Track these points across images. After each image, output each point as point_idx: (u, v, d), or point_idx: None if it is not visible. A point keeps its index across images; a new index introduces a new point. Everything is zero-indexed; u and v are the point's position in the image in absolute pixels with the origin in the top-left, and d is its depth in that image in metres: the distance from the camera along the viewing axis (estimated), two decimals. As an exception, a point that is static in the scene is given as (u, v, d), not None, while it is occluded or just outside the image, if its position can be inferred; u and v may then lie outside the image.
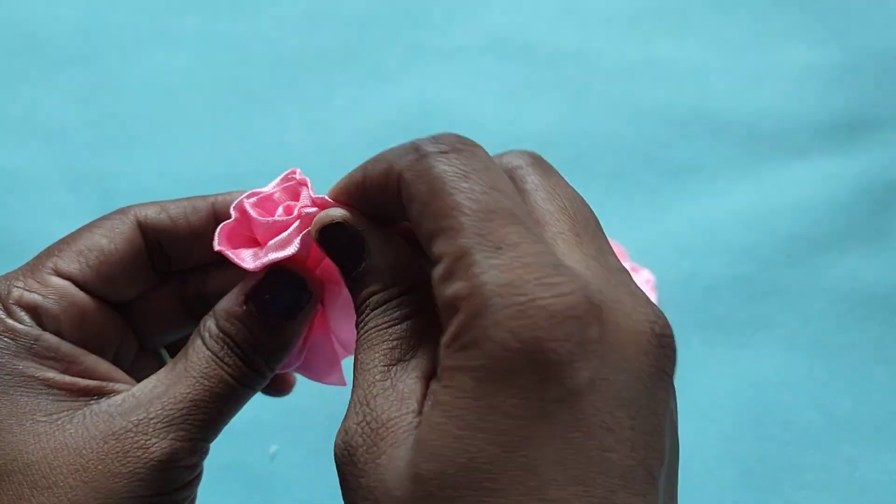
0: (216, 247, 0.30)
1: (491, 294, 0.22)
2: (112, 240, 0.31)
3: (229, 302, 0.30)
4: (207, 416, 0.28)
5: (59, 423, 0.27)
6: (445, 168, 0.25)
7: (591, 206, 0.27)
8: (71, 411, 0.28)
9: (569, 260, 0.24)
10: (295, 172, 0.31)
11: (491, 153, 0.27)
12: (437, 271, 0.24)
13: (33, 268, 0.30)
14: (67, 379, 0.28)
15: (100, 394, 0.29)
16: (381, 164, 0.27)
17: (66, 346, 0.29)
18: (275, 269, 0.30)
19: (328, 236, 0.28)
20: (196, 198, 0.32)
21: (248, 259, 0.30)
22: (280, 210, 0.30)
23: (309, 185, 0.30)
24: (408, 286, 0.27)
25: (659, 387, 0.23)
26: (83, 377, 0.29)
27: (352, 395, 0.26)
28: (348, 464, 0.24)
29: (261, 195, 0.30)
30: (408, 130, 0.61)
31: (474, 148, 0.26)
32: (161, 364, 0.35)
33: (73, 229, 0.32)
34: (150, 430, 0.27)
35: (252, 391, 0.30)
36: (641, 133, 0.69)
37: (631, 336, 0.23)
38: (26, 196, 0.66)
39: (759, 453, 0.55)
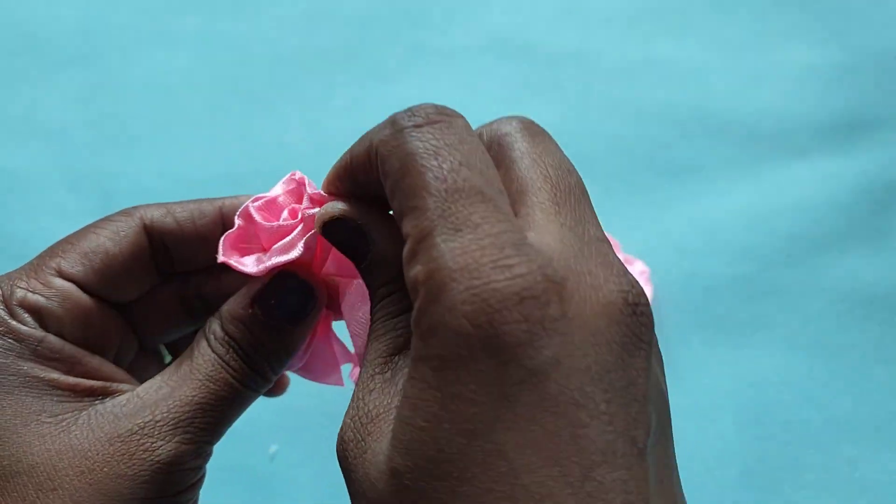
0: (220, 258, 0.30)
1: (446, 278, 0.22)
2: (117, 243, 0.31)
3: (235, 305, 0.30)
4: (212, 419, 0.28)
5: (65, 424, 0.27)
6: (417, 144, 0.24)
7: (592, 207, 0.27)
8: (76, 412, 0.28)
9: (542, 232, 0.23)
10: (295, 174, 0.31)
11: None
12: (404, 252, 0.24)
13: (36, 268, 0.30)
14: (71, 380, 0.28)
15: (104, 394, 0.29)
16: (363, 143, 0.26)
17: (69, 348, 0.29)
18: (280, 274, 0.30)
19: (331, 232, 0.28)
20: (203, 201, 0.32)
21: (251, 264, 0.30)
22: (285, 213, 0.30)
23: (307, 183, 0.30)
24: None
25: (635, 356, 0.22)
26: (87, 378, 0.29)
27: (354, 389, 0.26)
28: (342, 458, 0.24)
29: (265, 199, 0.30)
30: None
31: (452, 118, 0.25)
32: (160, 362, 0.35)
33: (73, 229, 0.31)
34: (156, 432, 0.27)
35: (256, 394, 0.30)
36: (641, 133, 0.69)
37: (600, 308, 0.22)
38: (26, 196, 0.66)
39: (759, 453, 0.55)
